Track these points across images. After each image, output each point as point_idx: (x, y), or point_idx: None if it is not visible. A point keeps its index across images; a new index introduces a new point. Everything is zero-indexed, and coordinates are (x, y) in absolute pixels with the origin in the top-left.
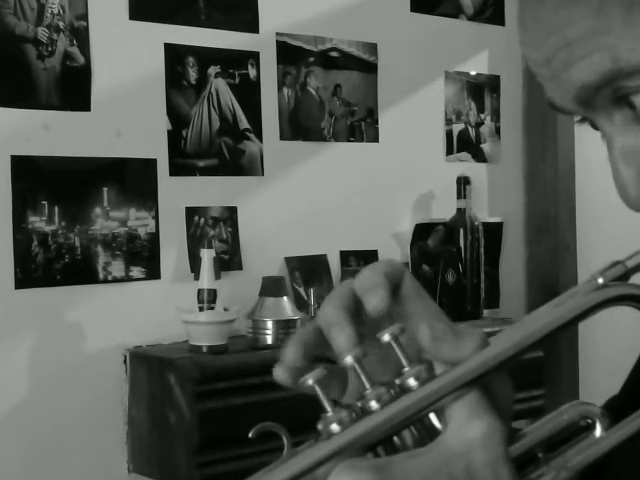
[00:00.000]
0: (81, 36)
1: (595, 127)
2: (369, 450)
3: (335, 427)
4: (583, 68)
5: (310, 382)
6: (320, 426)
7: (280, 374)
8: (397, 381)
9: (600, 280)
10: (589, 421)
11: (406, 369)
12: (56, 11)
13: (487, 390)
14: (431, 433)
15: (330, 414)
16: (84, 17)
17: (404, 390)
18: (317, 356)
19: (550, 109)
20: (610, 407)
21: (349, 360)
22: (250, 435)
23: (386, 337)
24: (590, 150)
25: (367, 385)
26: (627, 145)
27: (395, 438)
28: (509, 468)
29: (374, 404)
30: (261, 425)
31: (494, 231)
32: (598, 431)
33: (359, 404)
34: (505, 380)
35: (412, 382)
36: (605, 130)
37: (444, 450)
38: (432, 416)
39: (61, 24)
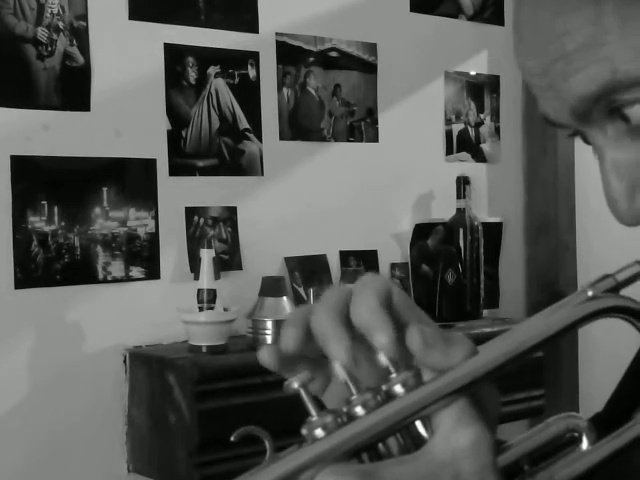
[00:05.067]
0: (81, 36)
1: (587, 141)
2: (353, 456)
3: (319, 432)
4: (582, 80)
5: (295, 385)
6: (304, 431)
7: (266, 357)
8: (384, 387)
9: (590, 292)
10: (575, 434)
11: (393, 375)
12: (56, 11)
13: (475, 399)
14: (417, 441)
15: (315, 418)
16: (84, 17)
17: (391, 396)
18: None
19: (544, 122)
20: (594, 424)
21: (338, 369)
22: (232, 438)
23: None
24: (590, 149)
25: (353, 390)
26: (618, 158)
27: (380, 445)
28: (497, 477)
29: (360, 410)
30: (243, 429)
31: (494, 231)
32: (584, 445)
33: (345, 409)
34: (492, 390)
35: (399, 389)
36: (597, 143)
37: (432, 458)
38: (418, 424)
39: (61, 24)
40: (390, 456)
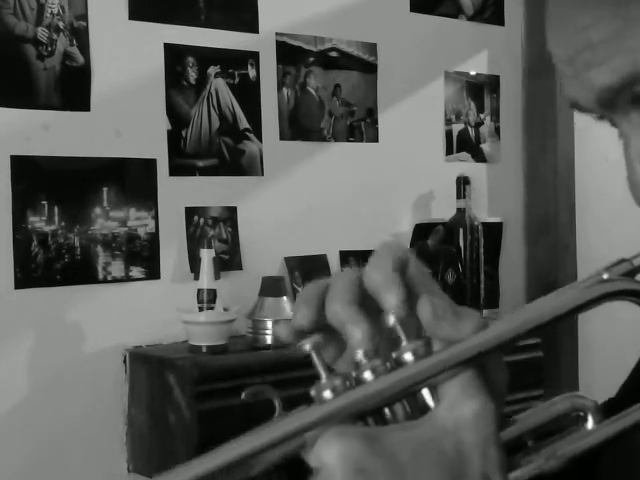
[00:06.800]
0: (81, 36)
1: (614, 125)
2: (359, 420)
3: (328, 394)
4: (604, 70)
5: (307, 347)
6: (313, 392)
7: (283, 332)
8: (394, 354)
9: (605, 275)
10: (581, 414)
11: (404, 343)
12: (56, 11)
13: (482, 371)
14: (423, 409)
15: (324, 381)
16: (84, 17)
17: (400, 364)
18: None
19: (570, 107)
20: (607, 409)
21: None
22: (242, 396)
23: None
24: (590, 149)
25: (362, 359)
26: None
27: (386, 410)
28: (498, 449)
29: (368, 375)
30: (253, 387)
31: (494, 231)
32: (590, 424)
33: (354, 373)
34: (501, 364)
35: (408, 356)
36: (622, 130)
37: (435, 425)
38: (425, 392)
39: (61, 24)
40: (395, 422)
